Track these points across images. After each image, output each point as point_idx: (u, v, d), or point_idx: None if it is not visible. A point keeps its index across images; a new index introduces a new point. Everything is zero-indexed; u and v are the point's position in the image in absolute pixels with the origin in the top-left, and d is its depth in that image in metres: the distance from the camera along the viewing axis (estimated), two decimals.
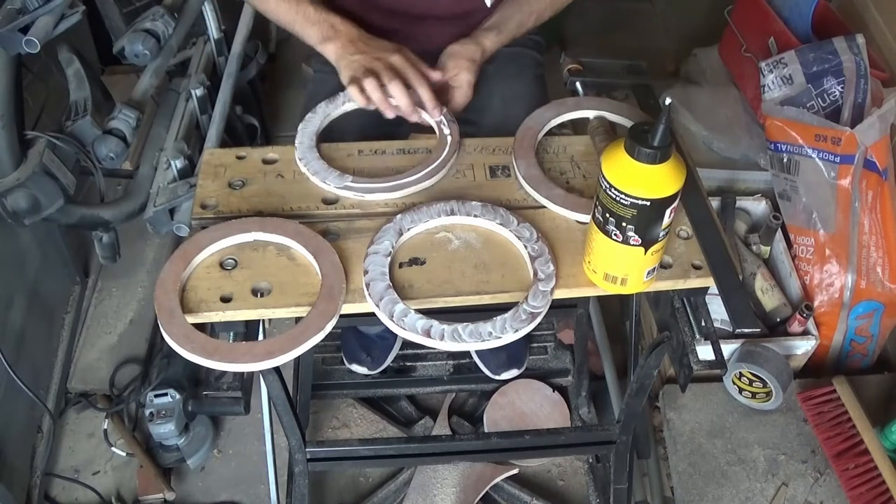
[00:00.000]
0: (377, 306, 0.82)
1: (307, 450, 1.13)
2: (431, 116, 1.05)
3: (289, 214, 0.93)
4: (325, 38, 1.09)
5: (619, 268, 0.83)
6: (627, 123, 1.05)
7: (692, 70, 2.09)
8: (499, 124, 1.14)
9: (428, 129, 1.06)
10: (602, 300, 1.60)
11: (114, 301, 1.76)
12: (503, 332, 0.81)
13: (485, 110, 1.20)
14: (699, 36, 2.14)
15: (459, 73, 1.09)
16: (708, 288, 0.90)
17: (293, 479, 1.25)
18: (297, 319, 0.82)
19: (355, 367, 1.58)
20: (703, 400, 1.50)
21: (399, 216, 0.91)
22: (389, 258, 0.87)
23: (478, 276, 0.87)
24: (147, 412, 1.42)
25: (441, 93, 1.08)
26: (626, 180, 0.75)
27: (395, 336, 1.56)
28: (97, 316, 1.74)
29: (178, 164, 1.19)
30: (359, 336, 1.59)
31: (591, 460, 1.52)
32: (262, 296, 0.84)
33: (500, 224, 0.91)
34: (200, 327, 0.81)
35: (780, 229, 1.60)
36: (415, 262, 0.88)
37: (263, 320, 0.88)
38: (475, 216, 0.92)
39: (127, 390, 1.62)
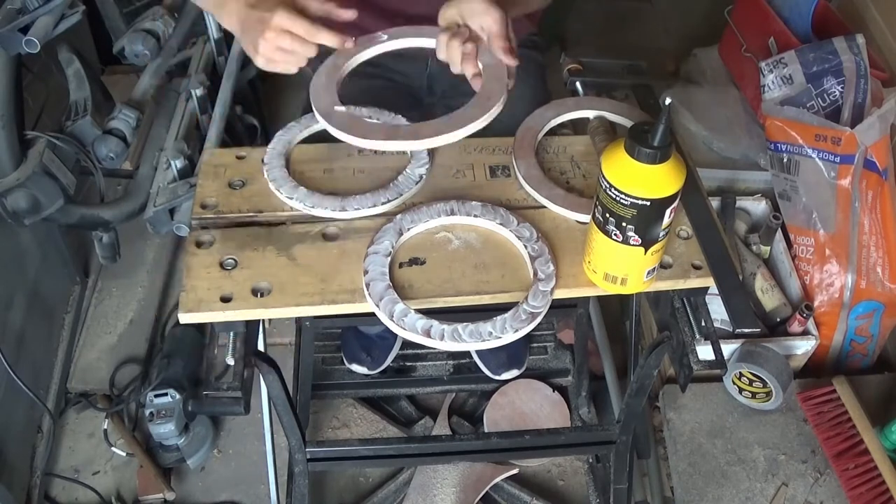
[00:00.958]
0: (377, 306, 0.82)
1: (307, 450, 1.13)
2: (337, 46, 0.94)
3: (289, 214, 0.93)
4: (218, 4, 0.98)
5: (619, 268, 0.82)
6: (627, 123, 1.05)
7: (692, 70, 2.09)
8: (499, 124, 1.14)
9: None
10: (602, 300, 1.60)
11: (114, 301, 1.76)
12: (503, 332, 0.81)
13: None
14: (699, 36, 2.14)
15: (482, 20, 0.95)
16: (708, 288, 0.89)
17: (293, 479, 1.25)
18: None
19: (355, 367, 1.58)
20: (703, 400, 1.51)
21: (399, 216, 0.91)
22: (389, 258, 0.87)
23: (478, 276, 0.87)
24: (147, 412, 1.42)
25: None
26: (626, 180, 0.75)
27: (395, 336, 1.57)
28: (97, 316, 1.74)
29: (178, 164, 1.19)
30: (359, 336, 1.59)
31: (591, 460, 1.52)
32: (262, 296, 0.84)
33: (500, 224, 0.91)
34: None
35: (780, 229, 1.60)
36: (415, 262, 0.88)
37: (263, 320, 0.88)
38: (475, 216, 0.92)
39: (127, 390, 1.62)
